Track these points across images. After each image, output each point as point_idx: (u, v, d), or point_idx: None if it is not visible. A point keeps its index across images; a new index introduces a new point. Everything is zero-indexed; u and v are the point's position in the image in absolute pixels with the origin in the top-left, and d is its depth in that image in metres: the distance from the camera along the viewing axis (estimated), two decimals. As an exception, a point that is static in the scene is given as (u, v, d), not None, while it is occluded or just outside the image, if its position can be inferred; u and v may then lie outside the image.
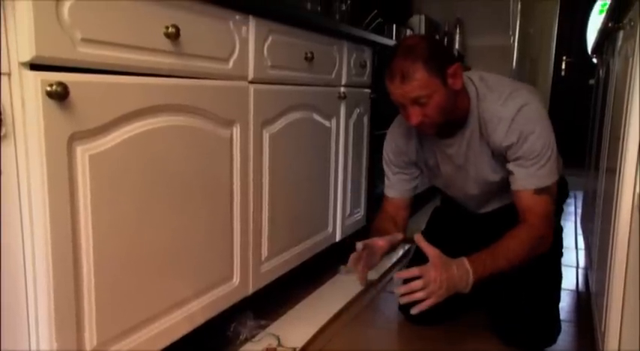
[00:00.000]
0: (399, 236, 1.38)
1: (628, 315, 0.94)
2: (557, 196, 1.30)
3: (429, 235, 1.63)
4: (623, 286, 0.95)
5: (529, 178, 1.22)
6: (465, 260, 1.16)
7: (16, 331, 0.80)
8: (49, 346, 0.82)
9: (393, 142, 1.46)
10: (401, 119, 1.42)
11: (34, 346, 0.82)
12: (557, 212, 1.53)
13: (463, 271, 1.14)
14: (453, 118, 1.26)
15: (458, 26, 3.60)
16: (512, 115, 1.21)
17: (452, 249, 1.52)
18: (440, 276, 1.11)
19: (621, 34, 1.28)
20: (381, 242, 1.32)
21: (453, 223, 1.59)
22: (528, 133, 1.20)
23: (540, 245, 1.23)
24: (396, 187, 1.47)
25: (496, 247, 1.21)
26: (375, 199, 2.04)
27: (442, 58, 1.18)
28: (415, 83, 1.15)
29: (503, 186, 1.32)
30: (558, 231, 1.52)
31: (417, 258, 1.57)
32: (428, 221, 1.69)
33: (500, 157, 1.28)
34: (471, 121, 1.28)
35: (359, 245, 1.31)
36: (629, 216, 0.94)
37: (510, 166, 1.25)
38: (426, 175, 1.49)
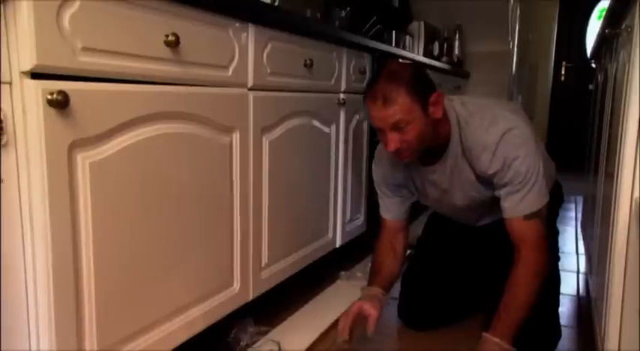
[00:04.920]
0: (385, 298, 1.39)
1: (627, 319, 0.95)
2: (553, 200, 1.29)
3: (426, 240, 1.64)
4: (622, 291, 0.96)
5: (518, 205, 1.21)
6: (487, 336, 1.19)
7: (18, 332, 0.80)
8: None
9: (381, 166, 1.44)
10: None
11: (34, 348, 0.82)
12: (553, 215, 1.53)
13: (494, 346, 1.16)
14: (432, 146, 1.24)
15: (457, 32, 3.61)
16: (495, 141, 1.19)
17: (450, 254, 1.54)
18: None
19: (619, 40, 1.29)
20: (374, 313, 1.31)
21: (449, 228, 1.59)
22: (512, 159, 1.19)
23: (543, 273, 1.22)
24: (391, 209, 1.46)
25: (508, 303, 1.21)
26: (375, 205, 2.03)
27: (425, 85, 1.17)
28: (397, 107, 1.13)
29: (493, 203, 1.31)
30: (555, 234, 1.52)
31: (417, 262, 1.58)
32: (424, 226, 1.69)
33: (487, 181, 1.27)
34: (451, 147, 1.26)
35: (344, 335, 1.31)
36: (627, 220, 0.94)
37: (500, 194, 1.24)
38: (416, 196, 1.49)
